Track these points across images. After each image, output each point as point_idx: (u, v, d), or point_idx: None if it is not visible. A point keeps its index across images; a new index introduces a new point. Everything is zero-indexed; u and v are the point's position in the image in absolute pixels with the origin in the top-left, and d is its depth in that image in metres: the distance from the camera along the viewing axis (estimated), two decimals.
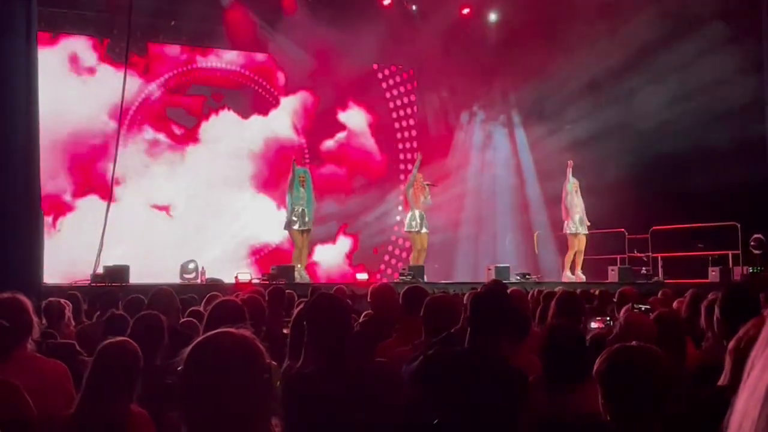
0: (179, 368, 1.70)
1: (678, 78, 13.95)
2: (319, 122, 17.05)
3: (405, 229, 14.88)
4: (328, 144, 17.21)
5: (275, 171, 16.10)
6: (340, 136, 17.22)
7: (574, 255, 14.68)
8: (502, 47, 16.11)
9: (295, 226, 13.86)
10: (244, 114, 16.47)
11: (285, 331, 5.08)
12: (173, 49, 16.07)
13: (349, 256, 16.87)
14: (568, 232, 14.69)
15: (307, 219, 13.92)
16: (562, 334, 3.62)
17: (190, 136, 16.03)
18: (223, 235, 15.65)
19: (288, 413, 3.01)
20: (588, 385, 3.23)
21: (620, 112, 14.85)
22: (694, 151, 13.81)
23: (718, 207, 13.65)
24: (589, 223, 14.67)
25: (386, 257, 17.79)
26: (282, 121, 16.82)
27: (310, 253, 14.96)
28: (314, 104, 16.90)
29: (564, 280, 14.10)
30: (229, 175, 16.11)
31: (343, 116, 17.25)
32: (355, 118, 17.36)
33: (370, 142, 17.51)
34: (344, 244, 16.99)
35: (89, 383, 3.16)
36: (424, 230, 14.54)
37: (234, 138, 16.24)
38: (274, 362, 1.77)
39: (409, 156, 17.96)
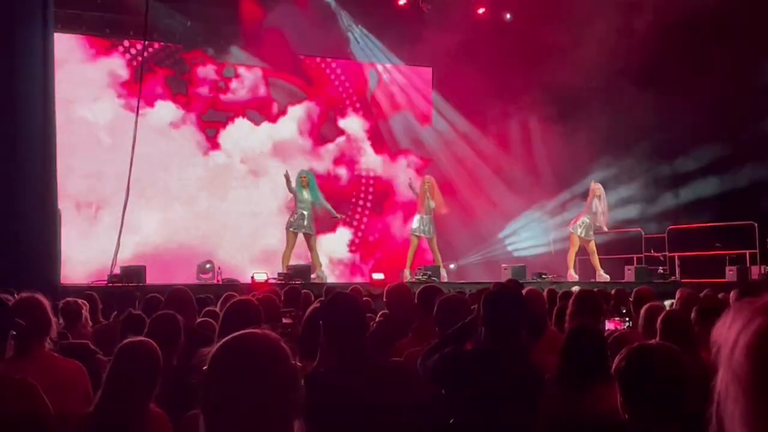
0: (204, 367, 1.70)
1: (698, 78, 13.82)
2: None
3: (412, 232, 14.81)
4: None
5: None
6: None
7: (589, 257, 14.60)
8: (521, 44, 15.98)
9: (291, 228, 13.69)
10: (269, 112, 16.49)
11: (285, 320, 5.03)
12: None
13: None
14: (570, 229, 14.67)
15: (306, 222, 13.73)
16: (588, 336, 3.58)
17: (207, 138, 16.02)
18: (240, 235, 15.66)
19: (304, 413, 3.01)
20: (604, 384, 3.22)
21: (638, 112, 14.77)
22: (712, 150, 13.72)
23: (735, 206, 13.56)
24: (606, 229, 14.50)
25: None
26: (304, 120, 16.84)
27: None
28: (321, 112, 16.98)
29: (569, 279, 14.00)
30: (247, 175, 16.13)
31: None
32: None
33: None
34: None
35: (108, 382, 3.17)
36: (428, 233, 14.50)
37: (255, 136, 16.24)
38: (298, 363, 1.78)
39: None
